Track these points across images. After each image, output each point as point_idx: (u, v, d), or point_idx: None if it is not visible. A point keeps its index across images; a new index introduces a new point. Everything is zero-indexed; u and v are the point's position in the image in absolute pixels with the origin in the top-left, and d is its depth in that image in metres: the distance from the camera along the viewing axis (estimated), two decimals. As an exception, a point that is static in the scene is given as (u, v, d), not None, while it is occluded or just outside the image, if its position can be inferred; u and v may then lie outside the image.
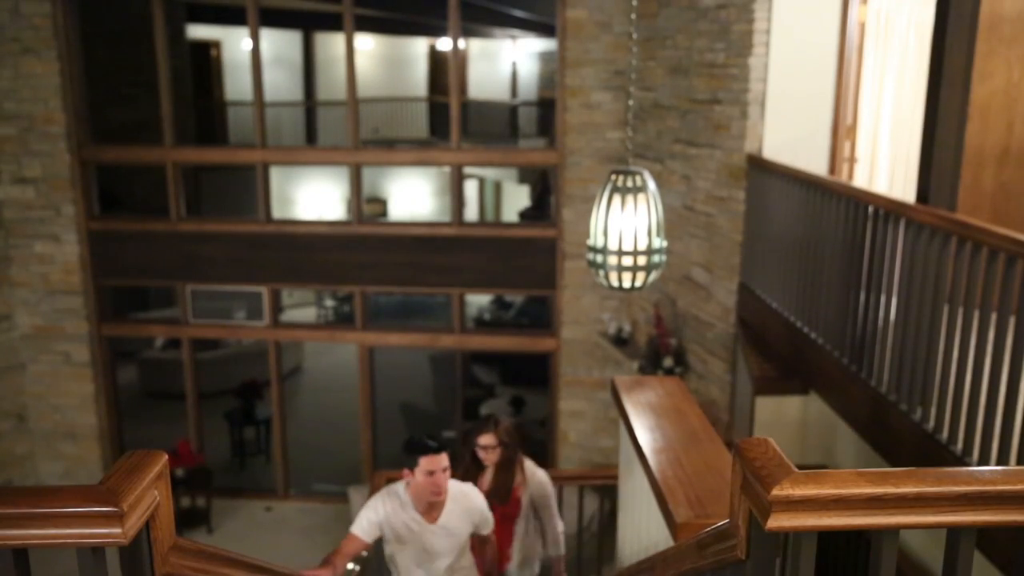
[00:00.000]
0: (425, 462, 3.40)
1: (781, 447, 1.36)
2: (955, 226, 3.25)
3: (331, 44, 15.58)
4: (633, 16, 4.31)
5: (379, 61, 16.56)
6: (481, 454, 3.99)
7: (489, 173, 15.66)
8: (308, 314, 14.87)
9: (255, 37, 8.02)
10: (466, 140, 11.24)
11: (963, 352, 3.19)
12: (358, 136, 8.17)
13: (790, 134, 5.55)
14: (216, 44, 15.14)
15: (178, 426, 8.94)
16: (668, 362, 6.38)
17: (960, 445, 3.20)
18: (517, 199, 16.39)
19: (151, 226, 8.31)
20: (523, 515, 4.14)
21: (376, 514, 3.59)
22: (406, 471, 3.47)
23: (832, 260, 4.31)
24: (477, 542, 3.86)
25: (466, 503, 3.64)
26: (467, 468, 4.06)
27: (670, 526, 2.66)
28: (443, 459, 3.43)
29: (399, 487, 3.60)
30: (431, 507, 3.54)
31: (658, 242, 3.74)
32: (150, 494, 1.46)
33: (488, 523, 3.73)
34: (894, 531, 1.29)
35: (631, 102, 6.04)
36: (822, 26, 5.48)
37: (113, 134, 9.42)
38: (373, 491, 4.70)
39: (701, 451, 3.04)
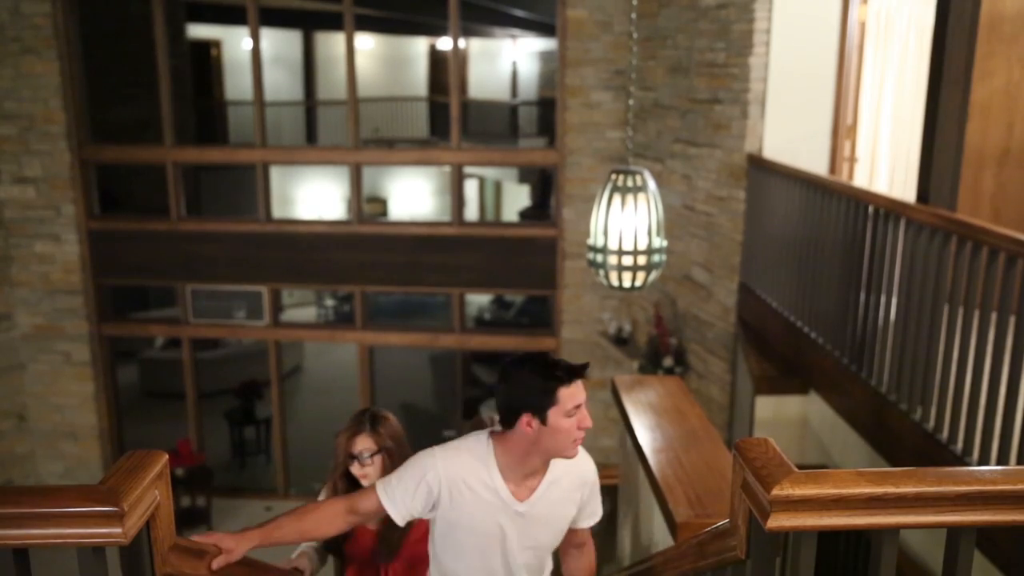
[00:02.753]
0: (568, 394, 2.09)
1: (781, 447, 1.36)
2: (955, 226, 3.25)
3: (331, 44, 15.58)
4: (633, 16, 4.32)
5: (379, 61, 16.56)
6: (355, 469, 2.60)
7: (489, 173, 15.65)
8: (308, 314, 14.87)
9: (255, 37, 8.01)
10: (466, 140, 11.23)
11: (963, 352, 3.19)
12: (358, 136, 8.16)
13: (790, 134, 5.55)
14: (216, 44, 15.14)
15: (178, 426, 8.94)
16: (668, 362, 6.38)
17: (960, 445, 3.20)
18: (517, 199, 16.40)
19: (151, 226, 8.30)
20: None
21: (426, 476, 2.17)
22: (525, 421, 2.11)
23: (832, 260, 4.31)
24: (567, 552, 2.49)
25: (577, 470, 2.30)
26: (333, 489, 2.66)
27: (670, 526, 2.66)
28: (582, 387, 2.16)
29: (477, 440, 2.24)
30: (524, 478, 2.21)
31: (658, 242, 3.74)
32: (150, 494, 1.46)
33: (595, 510, 2.39)
34: (894, 531, 1.29)
35: (631, 102, 6.05)
36: (822, 26, 5.48)
37: (113, 134, 9.42)
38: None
39: (701, 451, 3.04)
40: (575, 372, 2.12)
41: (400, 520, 2.21)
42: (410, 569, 2.61)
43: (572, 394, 2.10)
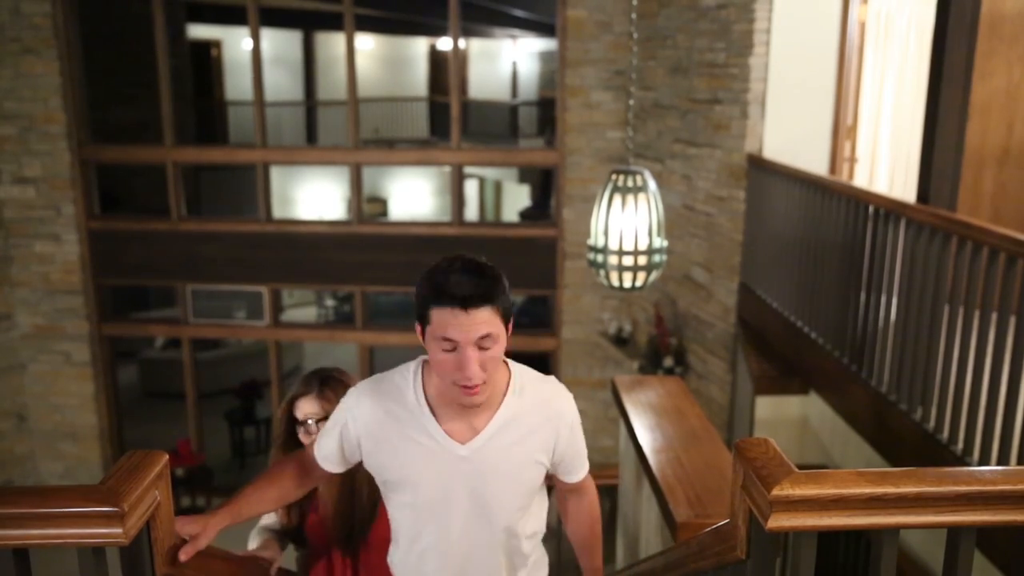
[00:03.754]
0: (439, 318, 1.60)
1: (781, 447, 1.36)
2: (955, 226, 3.25)
3: (331, 44, 15.59)
4: (633, 16, 4.32)
5: (379, 61, 16.56)
6: (303, 437, 2.25)
7: (489, 173, 15.66)
8: (308, 314, 14.87)
9: (255, 37, 8.01)
10: (466, 140, 11.24)
11: (963, 352, 3.20)
12: (358, 136, 8.17)
13: (790, 134, 5.55)
14: (216, 44, 15.15)
15: (178, 426, 8.94)
16: (668, 362, 6.38)
17: (960, 445, 3.20)
18: (517, 199, 16.40)
19: (151, 226, 8.30)
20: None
21: (343, 418, 1.82)
22: (418, 327, 1.69)
23: (832, 260, 4.31)
24: (564, 498, 2.09)
25: (545, 403, 1.83)
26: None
27: (670, 526, 2.66)
28: (481, 315, 1.60)
29: (406, 366, 1.82)
30: (464, 411, 1.74)
31: (658, 242, 3.74)
32: (150, 494, 1.46)
33: (580, 462, 1.97)
34: (894, 531, 1.29)
35: (631, 102, 6.04)
36: (822, 26, 5.48)
37: (113, 134, 9.42)
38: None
39: (701, 450, 3.04)
40: (450, 296, 1.58)
41: (335, 470, 1.88)
42: (381, 555, 2.18)
43: (444, 322, 1.60)
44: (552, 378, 1.88)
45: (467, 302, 1.59)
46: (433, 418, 1.75)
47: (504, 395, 1.78)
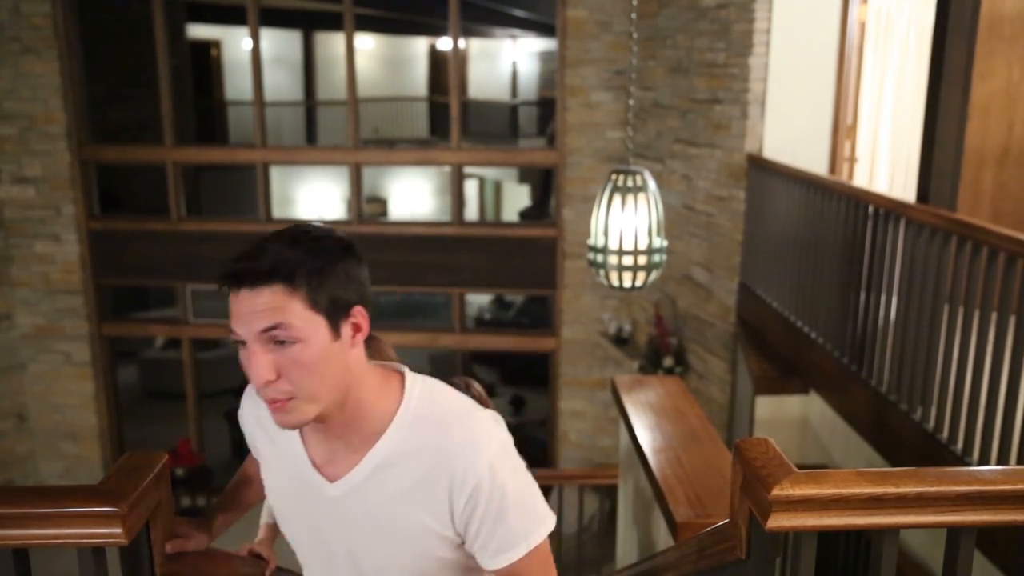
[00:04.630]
0: (232, 304, 1.23)
1: (781, 447, 1.36)
2: (955, 226, 3.25)
3: (331, 44, 15.60)
4: (633, 16, 4.32)
5: (379, 61, 16.57)
6: None
7: (489, 173, 15.67)
8: (308, 314, 14.85)
9: (255, 37, 8.01)
10: (466, 140, 11.24)
11: (963, 352, 3.19)
12: (358, 136, 8.17)
13: (790, 134, 5.55)
14: (216, 44, 15.16)
15: (178, 426, 8.93)
16: (668, 362, 6.38)
17: (960, 445, 3.20)
18: (517, 199, 16.40)
19: (151, 226, 8.30)
20: None
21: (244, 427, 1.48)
22: None
23: (832, 260, 4.31)
24: None
25: (434, 452, 1.23)
26: None
27: (670, 526, 2.66)
28: (261, 298, 1.18)
29: None
30: (339, 438, 1.28)
31: (658, 242, 3.74)
32: (150, 494, 1.47)
33: (501, 542, 1.24)
34: (894, 531, 1.29)
35: (631, 102, 6.04)
36: (822, 26, 5.48)
37: (113, 134, 9.42)
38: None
39: (701, 450, 3.04)
40: (223, 272, 1.19)
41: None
42: None
43: (231, 310, 1.22)
44: (476, 412, 1.28)
45: (239, 279, 1.17)
46: (300, 442, 1.32)
47: (388, 425, 1.26)
